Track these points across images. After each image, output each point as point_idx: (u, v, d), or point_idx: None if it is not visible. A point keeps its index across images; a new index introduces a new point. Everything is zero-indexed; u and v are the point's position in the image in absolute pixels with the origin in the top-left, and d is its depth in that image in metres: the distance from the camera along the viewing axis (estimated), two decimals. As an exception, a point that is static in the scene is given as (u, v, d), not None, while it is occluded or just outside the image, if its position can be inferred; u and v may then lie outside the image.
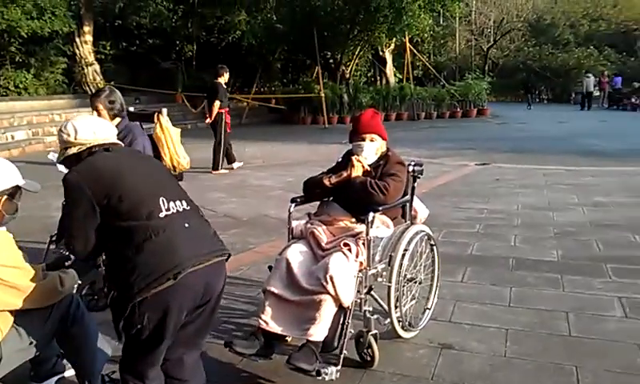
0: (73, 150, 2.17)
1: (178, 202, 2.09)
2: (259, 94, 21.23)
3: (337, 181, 3.03)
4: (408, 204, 3.17)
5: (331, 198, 3.12)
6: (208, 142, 14.32)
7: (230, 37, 20.27)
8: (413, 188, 3.20)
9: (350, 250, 2.69)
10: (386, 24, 18.94)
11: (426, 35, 24.33)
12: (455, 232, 5.27)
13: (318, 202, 3.20)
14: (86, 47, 18.41)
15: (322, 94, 17.63)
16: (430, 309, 3.27)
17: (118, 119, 3.76)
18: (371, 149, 3.08)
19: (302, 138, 14.34)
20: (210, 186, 8.06)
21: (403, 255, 2.91)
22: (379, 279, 2.89)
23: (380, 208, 2.82)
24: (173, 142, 3.86)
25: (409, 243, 2.98)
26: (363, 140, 3.09)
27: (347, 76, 21.22)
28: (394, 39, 21.11)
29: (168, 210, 2.04)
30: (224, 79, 9.13)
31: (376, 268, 2.82)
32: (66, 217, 2.11)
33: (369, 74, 25.22)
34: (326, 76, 21.03)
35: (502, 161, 9.77)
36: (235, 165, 9.58)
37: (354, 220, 2.92)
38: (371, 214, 2.74)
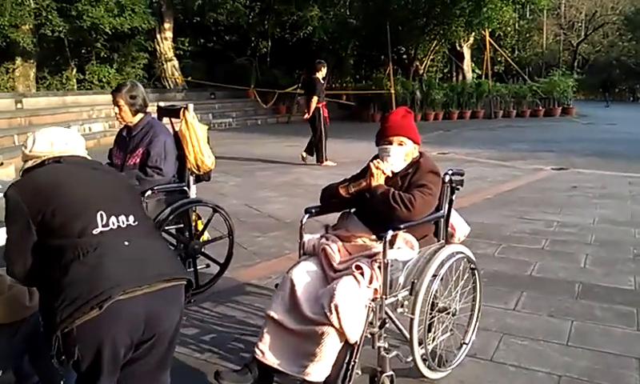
0: (28, 164, 1.97)
1: (122, 217, 1.81)
2: (330, 90, 20.94)
3: (355, 190, 2.63)
4: (442, 220, 2.69)
5: (352, 210, 2.72)
6: (275, 139, 14.43)
7: (302, 33, 20.13)
8: (450, 201, 2.73)
9: (362, 273, 2.28)
10: (463, 17, 18.04)
11: (508, 29, 23.08)
12: (515, 247, 4.67)
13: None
14: (166, 43, 18.98)
15: (392, 91, 17.04)
16: (467, 344, 2.79)
17: (140, 115, 3.57)
18: (399, 154, 2.64)
19: (367, 135, 13.69)
20: (263, 184, 7.85)
21: (432, 281, 2.46)
22: (400, 309, 2.45)
23: (402, 226, 2.38)
24: (198, 140, 3.60)
25: (440, 266, 2.52)
26: (390, 143, 2.65)
27: (421, 72, 20.46)
28: (473, 33, 20.07)
29: (106, 225, 1.76)
30: (321, 74, 9.19)
31: (395, 296, 2.39)
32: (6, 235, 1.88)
33: (445, 70, 24.24)
34: (400, 72, 20.42)
35: (582, 165, 8.86)
36: (309, 159, 9.60)
37: (374, 237, 2.51)
38: (390, 233, 2.32)
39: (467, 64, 21.68)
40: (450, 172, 2.72)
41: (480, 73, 21.84)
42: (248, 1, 20.51)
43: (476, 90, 19.19)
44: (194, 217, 3.85)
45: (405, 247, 2.42)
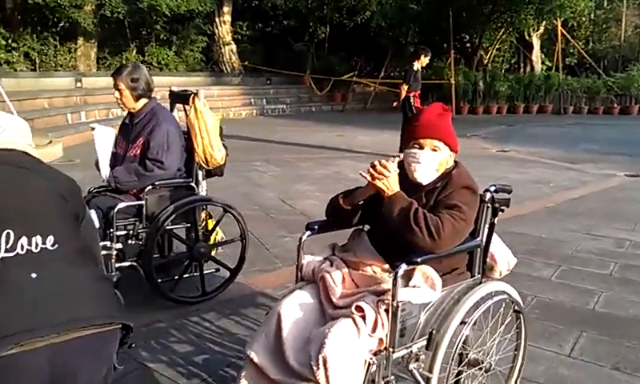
0: None
1: (36, 239, 1.40)
2: (388, 79, 20.23)
3: (360, 200, 2.10)
4: (479, 250, 2.13)
5: (366, 228, 2.21)
6: (326, 127, 13.96)
7: (360, 18, 19.47)
8: (491, 226, 2.16)
9: (364, 317, 1.77)
10: (533, 4, 16.82)
11: (583, 19, 21.43)
12: (578, 271, 3.98)
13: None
14: (224, 27, 18.91)
15: (453, 81, 16.13)
16: (505, 404, 2.23)
17: (143, 100, 3.20)
18: (432, 162, 2.07)
19: (423, 127, 13.12)
20: (303, 176, 7.41)
21: (459, 329, 1.92)
22: (414, 364, 1.91)
23: (419, 259, 1.85)
24: (207, 131, 3.18)
25: (473, 310, 1.97)
26: (421, 147, 2.08)
27: (485, 62, 19.35)
28: (544, 22, 18.74)
29: (11, 249, 1.36)
30: (419, 63, 8.53)
31: (409, 348, 1.87)
32: None
33: (512, 61, 22.88)
34: (462, 62, 19.40)
35: (662, 173, 7.85)
36: None
37: (387, 267, 1.99)
38: (403, 267, 1.79)
39: (536, 55, 20.32)
40: (493, 188, 2.15)
41: (550, 65, 20.40)
42: (308, -16, 20.10)
43: (545, 83, 17.91)
44: (203, 216, 3.45)
45: (424, 285, 1.88)
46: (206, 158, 3.22)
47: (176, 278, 3.28)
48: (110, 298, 1.55)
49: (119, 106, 3.26)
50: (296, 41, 20.67)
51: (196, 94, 3.24)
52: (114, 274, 2.98)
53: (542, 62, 20.84)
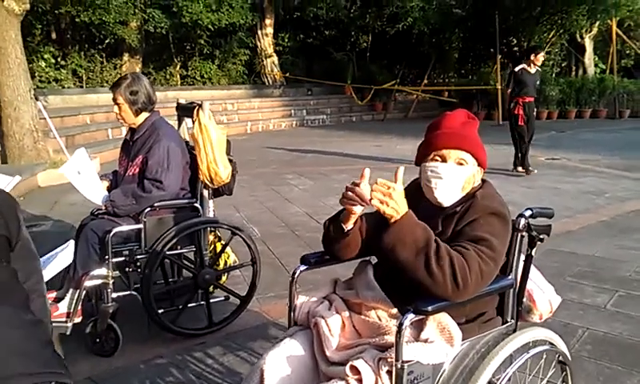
0: None
1: None
2: (431, 86, 19.68)
3: (352, 225, 1.70)
4: (511, 291, 1.73)
5: (373, 260, 1.85)
6: (365, 137, 13.58)
7: (402, 25, 19.05)
8: (528, 258, 1.77)
9: (360, 381, 1.42)
10: (586, 4, 15.92)
11: (641, 17, 20.16)
12: (639, 297, 3.46)
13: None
14: (266, 39, 18.93)
15: (499, 86, 15.41)
16: None
17: (144, 115, 2.96)
18: (457, 178, 1.70)
19: (467, 136, 12.54)
20: (334, 190, 7.05)
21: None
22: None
23: (429, 308, 1.47)
24: (212, 146, 2.91)
25: (506, 366, 1.58)
26: (443, 160, 1.73)
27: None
28: (597, 23, 17.76)
29: None
30: (528, 63, 7.90)
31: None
32: None
33: (563, 64, 21.85)
34: (510, 66, 18.61)
35: None
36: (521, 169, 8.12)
37: (394, 311, 1.63)
38: (409, 317, 1.43)
39: (589, 57, 19.28)
40: (528, 213, 1.75)
41: (604, 67, 19.33)
42: (349, -6, 19.94)
43: (598, 87, 16.91)
44: (211, 239, 3.18)
45: (438, 339, 1.51)
46: (210, 176, 2.94)
47: (180, 307, 3.01)
48: (37, 351, 1.26)
49: (119, 121, 3.04)
50: (337, 50, 20.45)
51: (200, 106, 2.97)
52: (110, 304, 2.75)
53: (596, 65, 19.77)
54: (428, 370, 1.46)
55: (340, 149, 10.65)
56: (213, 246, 3.19)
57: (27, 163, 7.82)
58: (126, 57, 16.24)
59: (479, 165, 1.76)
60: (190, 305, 3.04)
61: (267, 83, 18.73)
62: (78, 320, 2.78)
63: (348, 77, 19.22)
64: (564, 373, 1.83)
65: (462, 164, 1.72)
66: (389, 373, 1.42)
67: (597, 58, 20.24)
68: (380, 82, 18.21)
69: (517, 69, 7.79)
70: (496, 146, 11.00)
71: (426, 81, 19.13)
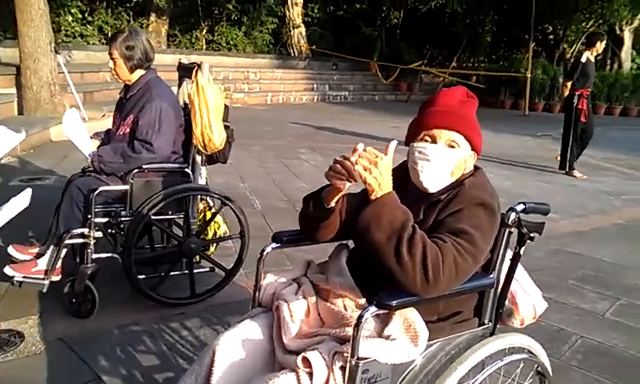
0: None
1: None
2: (459, 69, 19.20)
3: (334, 201, 1.57)
4: (491, 291, 1.60)
5: (351, 245, 1.73)
6: (385, 117, 13.33)
7: (434, 2, 18.53)
8: (515, 256, 1.63)
9: (311, 374, 1.31)
10: (629, -5, 15.28)
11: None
12: (641, 307, 3.30)
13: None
14: (295, 9, 18.62)
15: (528, 74, 14.94)
16: None
17: (139, 72, 2.87)
18: (446, 161, 1.56)
19: (491, 124, 12.18)
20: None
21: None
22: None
23: (394, 302, 1.34)
24: (208, 110, 2.79)
25: (476, 372, 1.46)
26: (433, 140, 1.58)
27: (568, 56, 17.89)
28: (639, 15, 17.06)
29: None
30: (591, 52, 7.16)
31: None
32: None
33: (598, 57, 21.10)
34: (543, 55, 18.07)
35: None
36: (577, 173, 7.30)
37: (362, 301, 1.51)
38: (370, 311, 1.31)
39: (626, 51, 18.54)
40: (520, 207, 1.60)
41: (642, 63, 18.64)
42: (383, -34, 19.41)
43: (632, 83, 16.28)
44: (201, 207, 3.09)
45: (401, 337, 1.39)
46: (203, 141, 2.84)
47: (162, 275, 2.93)
48: None
49: (113, 76, 2.93)
50: (367, 25, 20.03)
51: (199, 67, 2.85)
52: (89, 265, 2.69)
53: (632, 60, 19.02)
54: (386, 369, 1.35)
55: (357, 127, 10.46)
56: (203, 214, 3.10)
57: (42, 116, 7.82)
58: (152, 17, 16.12)
59: (473, 149, 1.62)
60: (173, 273, 2.98)
61: (293, 54, 18.47)
62: (56, 278, 2.75)
63: (375, 53, 18.85)
64: (542, 385, 1.70)
65: (453, 146, 1.57)
66: (342, 369, 1.31)
67: (634, 53, 19.46)
68: (407, 61, 17.81)
69: (583, 58, 7.06)
70: (519, 136, 10.72)
71: (454, 63, 18.68)
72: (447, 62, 19.27)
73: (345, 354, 1.32)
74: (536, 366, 1.67)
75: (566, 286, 3.50)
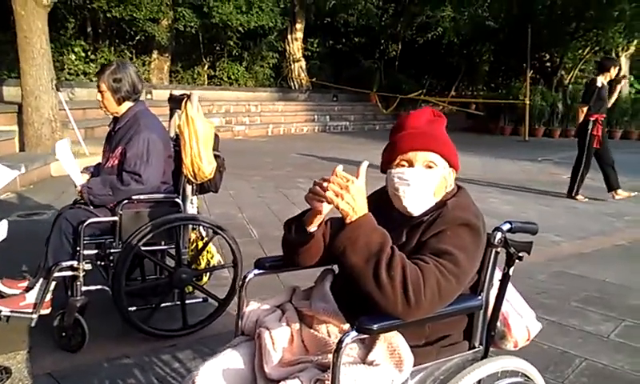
0: None
1: None
2: (458, 98, 19.35)
3: (313, 226, 1.55)
4: (480, 313, 1.54)
5: (336, 269, 1.69)
6: (382, 146, 13.18)
7: (431, 34, 18.79)
8: (504, 278, 1.58)
9: (291, 405, 1.26)
10: (623, 21, 15.44)
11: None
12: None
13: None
14: (295, 44, 18.92)
15: (527, 101, 15.02)
16: None
17: (127, 104, 2.87)
18: (426, 183, 1.53)
19: (491, 150, 12.25)
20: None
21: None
22: None
23: (375, 326, 1.29)
24: (197, 140, 2.78)
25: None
26: (410, 164, 1.56)
27: (566, 82, 18.01)
28: (635, 41, 17.22)
29: None
30: (605, 77, 7.02)
31: None
32: None
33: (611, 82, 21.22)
34: (541, 82, 18.19)
35: None
36: (580, 197, 7.19)
37: (346, 327, 1.46)
38: (350, 336, 1.27)
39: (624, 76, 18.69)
40: (507, 226, 1.56)
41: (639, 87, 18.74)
42: (381, 2, 19.71)
43: (631, 107, 16.34)
44: (193, 237, 3.05)
45: (386, 362, 1.33)
46: (193, 171, 2.82)
47: (153, 306, 2.88)
48: None
49: (102, 109, 2.94)
50: (366, 58, 20.32)
51: (189, 97, 2.85)
52: (79, 298, 2.65)
53: (631, 85, 19.14)
54: (369, 397, 1.29)
55: (357, 155, 10.41)
56: (195, 244, 3.06)
57: (43, 152, 7.87)
58: (155, 54, 16.39)
59: (450, 166, 1.59)
60: (164, 304, 2.92)
61: (294, 87, 18.68)
62: (46, 311, 2.70)
63: (374, 84, 19.07)
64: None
65: (431, 167, 1.55)
66: (323, 397, 1.26)
67: (632, 78, 19.60)
68: (406, 91, 17.99)
69: (598, 83, 6.94)
70: (518, 161, 10.70)
71: (453, 92, 18.85)
72: (446, 91, 19.47)
73: (326, 382, 1.26)
74: (532, 390, 1.60)
75: (570, 309, 3.42)
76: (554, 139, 15.72)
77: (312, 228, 1.55)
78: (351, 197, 1.35)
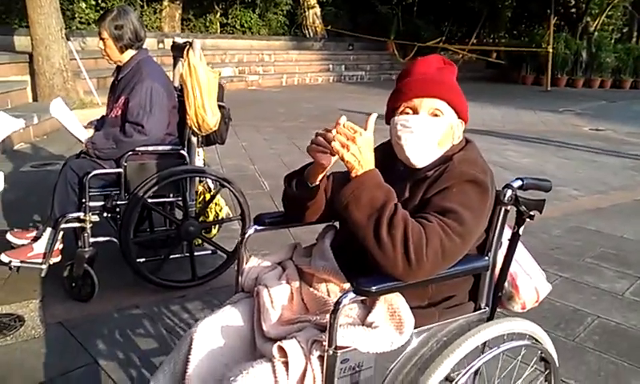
0: None
1: None
2: (479, 46, 18.74)
3: (316, 181, 1.51)
4: (487, 274, 1.48)
5: (337, 226, 1.63)
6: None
7: (451, -22, 18.08)
8: (514, 237, 1.51)
9: (286, 364, 1.22)
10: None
11: None
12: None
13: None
14: (310, -11, 18.31)
15: (550, 49, 14.49)
16: None
17: (130, 52, 2.78)
18: (431, 131, 1.43)
19: (512, 100, 11.92)
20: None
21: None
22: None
23: (373, 288, 1.23)
24: (200, 90, 2.70)
25: (471, 359, 1.35)
26: (415, 111, 1.45)
27: (591, 30, 17.29)
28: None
29: None
30: None
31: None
32: None
33: (624, 30, 20.38)
34: (565, 29, 17.50)
35: None
36: None
37: (346, 286, 1.41)
38: (348, 297, 1.22)
39: (653, 23, 17.90)
40: (517, 183, 1.47)
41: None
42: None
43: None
44: (200, 189, 3.01)
45: (385, 324, 1.29)
46: (197, 122, 2.75)
47: (162, 257, 2.88)
48: None
49: (104, 58, 2.85)
50: (383, 3, 19.65)
51: (191, 45, 2.74)
52: (87, 249, 2.65)
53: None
54: (369, 358, 1.25)
55: (373, 107, 10.15)
56: (202, 196, 3.03)
57: (56, 102, 7.83)
58: (166, 2, 16.02)
59: (459, 117, 1.49)
60: (173, 256, 2.92)
61: (308, 36, 18.21)
62: (55, 260, 2.72)
63: (392, 32, 18.50)
64: (548, 370, 1.58)
65: (437, 115, 1.45)
66: (320, 358, 1.22)
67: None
68: (425, 38, 17.45)
69: None
70: (539, 112, 10.41)
71: (474, 40, 18.22)
72: (466, 39, 18.82)
73: (323, 343, 1.22)
74: (539, 352, 1.55)
75: (584, 265, 3.35)
76: (577, 89, 15.25)
77: (315, 182, 1.49)
78: (357, 149, 1.27)
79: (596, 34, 17.30)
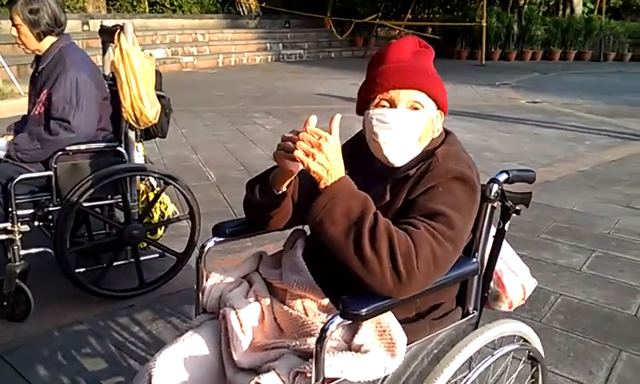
0: None
1: None
2: (414, 21, 18.86)
3: (281, 188, 1.34)
4: (475, 278, 1.37)
5: (307, 231, 1.47)
6: (343, 74, 12.91)
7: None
8: (499, 234, 1.40)
9: (265, 403, 1.07)
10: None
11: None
12: (617, 258, 3.19)
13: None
14: (242, -36, 17.73)
15: (484, 23, 14.77)
16: None
17: (50, 39, 2.48)
18: (411, 126, 1.30)
19: (449, 76, 11.97)
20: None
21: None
22: None
23: (363, 311, 1.08)
24: (136, 79, 2.43)
25: (464, 371, 1.24)
26: (392, 104, 1.31)
27: (521, 3, 17.80)
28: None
29: None
30: None
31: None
32: None
33: (550, 3, 21.12)
34: (497, 3, 17.91)
35: None
36: None
37: (325, 302, 1.26)
38: (335, 322, 1.07)
39: (578, -5, 18.66)
40: (503, 177, 1.37)
41: (592, 7, 18.72)
42: None
43: (584, 27, 16.40)
44: (142, 188, 2.76)
45: (375, 346, 1.15)
46: (135, 115, 2.48)
47: (104, 265, 2.63)
48: None
49: (20, 47, 2.51)
50: (319, -22, 19.33)
51: (122, 29, 2.46)
52: (18, 263, 2.36)
53: (584, 4, 19.13)
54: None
55: (314, 86, 10.09)
56: (145, 196, 2.78)
57: (-31, 95, 7.18)
58: (90, -20, 15.09)
59: (439, 108, 1.36)
60: (116, 263, 2.67)
61: (242, 13, 17.69)
62: (-19, 279, 2.40)
63: (328, 9, 18.28)
64: (535, 368, 1.51)
65: (416, 108, 1.31)
66: (304, 390, 1.07)
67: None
68: (361, 15, 17.37)
69: None
70: (477, 86, 10.60)
71: (409, 15, 18.32)
72: (402, 15, 18.89)
73: (309, 374, 1.07)
74: (528, 352, 1.47)
75: (540, 241, 3.37)
76: (510, 62, 15.70)
77: (280, 189, 1.32)
78: (324, 156, 1.11)
79: (526, 7, 17.82)
